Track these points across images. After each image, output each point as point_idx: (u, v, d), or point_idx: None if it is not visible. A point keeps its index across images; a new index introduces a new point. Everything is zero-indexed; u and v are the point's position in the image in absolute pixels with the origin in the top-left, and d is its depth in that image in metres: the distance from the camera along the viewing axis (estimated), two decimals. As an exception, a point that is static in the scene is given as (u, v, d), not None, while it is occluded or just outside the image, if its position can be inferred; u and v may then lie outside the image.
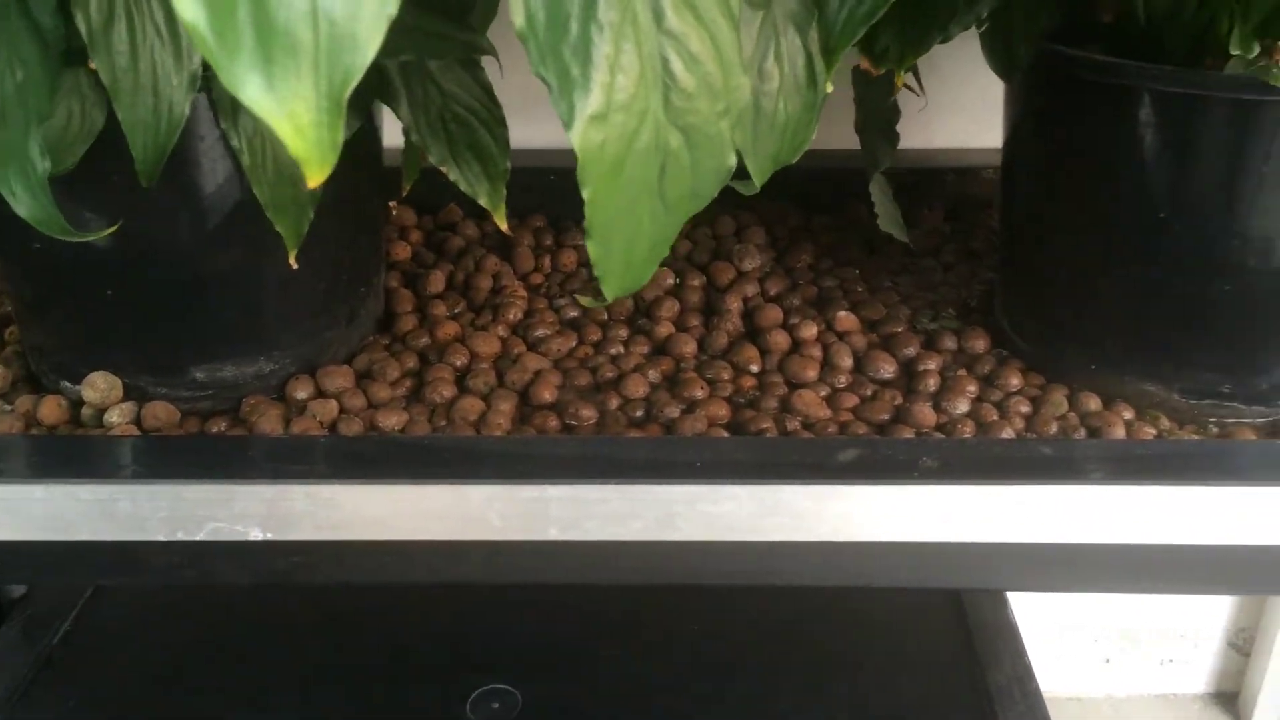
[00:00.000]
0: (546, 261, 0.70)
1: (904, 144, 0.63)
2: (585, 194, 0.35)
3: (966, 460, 0.46)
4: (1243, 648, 1.03)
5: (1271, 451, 0.49)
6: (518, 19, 0.33)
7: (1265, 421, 0.54)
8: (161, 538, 0.45)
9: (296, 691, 0.69)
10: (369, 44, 0.24)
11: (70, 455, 0.47)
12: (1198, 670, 1.04)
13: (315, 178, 0.24)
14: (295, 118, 0.23)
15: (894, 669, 0.70)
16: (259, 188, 0.47)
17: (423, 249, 0.72)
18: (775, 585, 0.49)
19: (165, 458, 0.46)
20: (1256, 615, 1.01)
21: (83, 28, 0.37)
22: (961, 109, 0.76)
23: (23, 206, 0.38)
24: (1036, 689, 0.70)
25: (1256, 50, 0.45)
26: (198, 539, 0.45)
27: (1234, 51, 0.44)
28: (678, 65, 0.35)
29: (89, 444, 0.50)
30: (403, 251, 0.70)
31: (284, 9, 0.23)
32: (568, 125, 0.34)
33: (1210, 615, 1.02)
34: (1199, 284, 0.52)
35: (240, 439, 0.52)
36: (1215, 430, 0.54)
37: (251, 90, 0.22)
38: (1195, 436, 0.54)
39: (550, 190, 0.68)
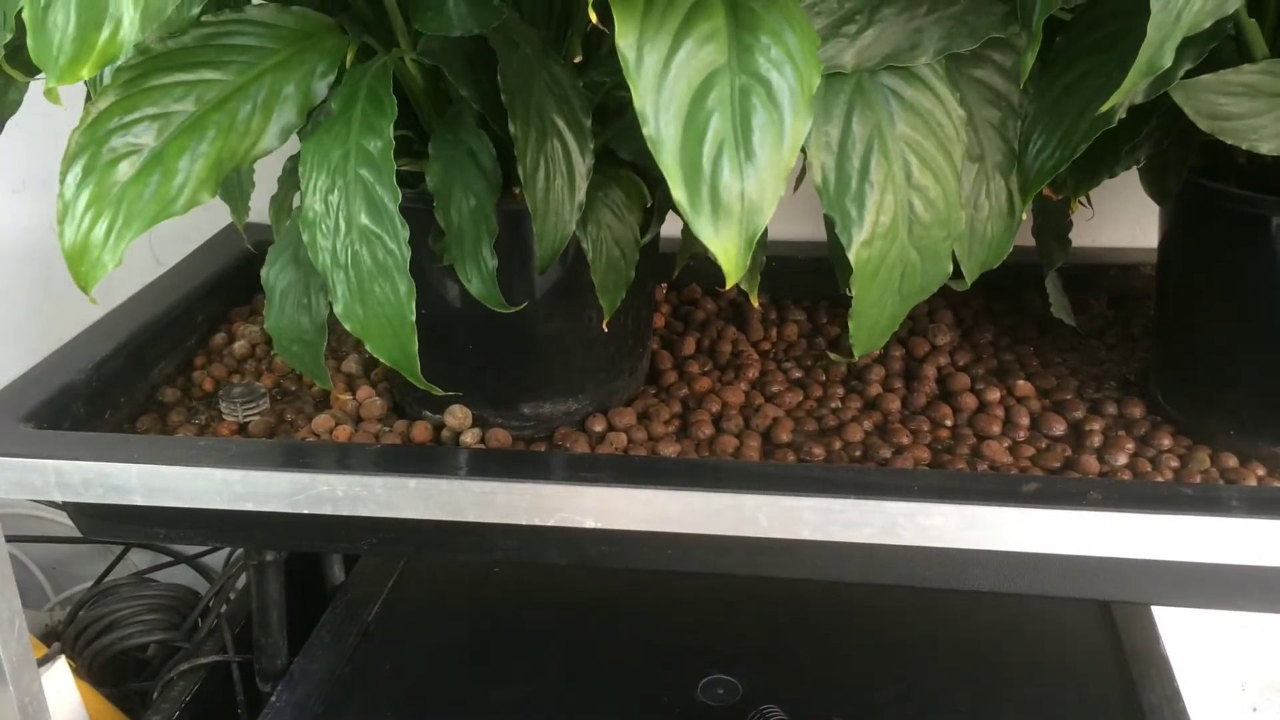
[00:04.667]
0: (773, 332, 0.87)
1: (1075, 243, 0.77)
2: (854, 291, 0.52)
3: (1125, 495, 0.61)
4: (1387, 705, 1.10)
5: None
6: (816, 178, 0.51)
7: (1376, 481, 0.66)
8: (523, 521, 0.63)
9: (559, 665, 0.86)
10: (769, 212, 0.42)
11: (464, 460, 0.66)
12: (1343, 726, 1.12)
13: (731, 282, 0.42)
14: (728, 251, 0.41)
15: (1059, 683, 0.83)
16: (595, 275, 0.66)
17: (672, 319, 0.90)
18: (973, 590, 0.64)
19: (530, 465, 0.65)
20: (1401, 676, 1.08)
21: (520, 173, 0.56)
22: (1126, 216, 0.90)
23: (476, 289, 0.58)
24: (1184, 709, 0.82)
25: (1358, 190, 0.59)
26: (549, 524, 0.63)
27: (1341, 191, 0.58)
28: (919, 207, 0.52)
29: (483, 453, 0.69)
30: (659, 321, 0.89)
31: (726, 193, 0.41)
32: (846, 249, 0.51)
33: (1355, 672, 1.10)
34: (1319, 367, 0.65)
35: (584, 455, 0.70)
36: (1334, 487, 0.67)
37: (706, 234, 0.41)
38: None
39: (771, 274, 0.86)
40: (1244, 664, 1.11)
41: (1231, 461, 0.68)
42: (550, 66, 0.57)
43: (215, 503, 0.65)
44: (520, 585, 0.95)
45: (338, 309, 0.53)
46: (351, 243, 0.52)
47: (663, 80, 0.44)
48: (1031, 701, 0.82)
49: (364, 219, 0.51)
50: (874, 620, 0.89)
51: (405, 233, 0.53)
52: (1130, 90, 0.46)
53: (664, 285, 0.92)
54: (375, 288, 0.52)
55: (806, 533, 0.62)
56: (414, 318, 0.53)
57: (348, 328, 0.54)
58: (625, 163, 0.68)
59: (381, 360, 0.55)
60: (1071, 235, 0.77)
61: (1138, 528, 0.59)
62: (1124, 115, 0.53)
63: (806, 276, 0.91)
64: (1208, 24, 0.46)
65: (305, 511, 0.64)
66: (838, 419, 0.76)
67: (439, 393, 0.58)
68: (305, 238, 0.52)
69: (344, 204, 0.52)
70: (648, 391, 0.80)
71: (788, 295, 0.93)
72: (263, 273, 0.63)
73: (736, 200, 0.41)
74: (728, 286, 0.42)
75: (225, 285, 0.92)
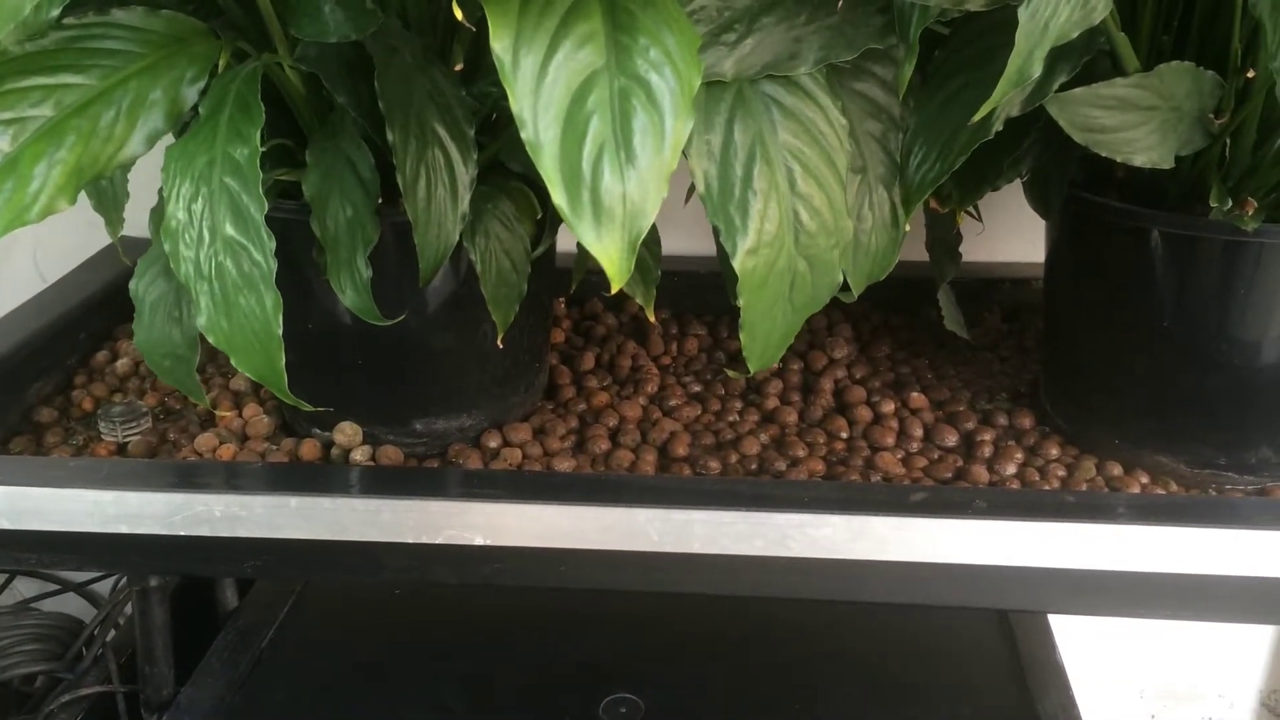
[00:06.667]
0: (674, 347, 0.87)
1: (969, 258, 0.78)
2: (741, 301, 0.52)
3: (1010, 503, 0.61)
4: (1275, 708, 1.13)
5: (1257, 506, 0.63)
6: (699, 187, 0.50)
7: (1253, 488, 0.68)
8: (410, 540, 0.61)
9: (459, 689, 0.84)
10: (651, 214, 0.41)
11: (349, 478, 0.64)
12: (1236, 729, 1.14)
13: (616, 286, 0.41)
14: (610, 254, 0.40)
15: (956, 693, 0.84)
16: (485, 287, 0.65)
17: (573, 334, 0.89)
18: (869, 601, 0.64)
19: (417, 482, 0.63)
20: (1289, 679, 1.12)
21: (400, 182, 0.55)
22: (1019, 231, 0.91)
23: (349, 300, 0.56)
24: (1079, 717, 0.83)
25: (1230, 203, 0.60)
26: (437, 542, 0.61)
27: (1213, 204, 0.60)
28: (805, 215, 0.52)
29: (369, 471, 0.67)
30: (558, 336, 0.88)
31: (608, 195, 0.40)
32: (731, 256, 0.51)
33: (1246, 677, 1.12)
34: (1198, 378, 0.66)
35: (471, 471, 0.68)
36: (1214, 494, 0.68)
37: (588, 238, 0.40)
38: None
39: (672, 289, 0.86)
40: (1141, 672, 1.13)
41: (1117, 470, 0.70)
42: (432, 74, 0.56)
43: (87, 525, 0.62)
44: (420, 608, 0.93)
45: (201, 322, 0.51)
46: (216, 253, 0.50)
47: (540, 83, 0.43)
48: (929, 712, 0.82)
49: (229, 229, 0.50)
50: (775, 635, 0.88)
51: (272, 244, 0.51)
52: (1001, 99, 0.46)
53: (564, 300, 0.92)
54: (240, 300, 0.50)
55: (697, 546, 0.61)
56: (281, 331, 0.52)
57: (212, 341, 0.52)
58: (515, 174, 0.67)
59: (249, 375, 0.53)
60: (967, 250, 0.78)
61: (1023, 535, 0.60)
62: (1001, 128, 0.54)
63: (708, 291, 0.91)
64: (1075, 34, 0.47)
65: (183, 534, 0.62)
66: (735, 432, 0.75)
67: (309, 408, 0.57)
68: (168, 248, 0.50)
69: (208, 213, 0.50)
70: (545, 407, 0.78)
71: (689, 310, 0.92)
72: (132, 284, 0.61)
73: (618, 203, 0.41)
74: (613, 290, 0.41)
75: (109, 301, 0.89)
